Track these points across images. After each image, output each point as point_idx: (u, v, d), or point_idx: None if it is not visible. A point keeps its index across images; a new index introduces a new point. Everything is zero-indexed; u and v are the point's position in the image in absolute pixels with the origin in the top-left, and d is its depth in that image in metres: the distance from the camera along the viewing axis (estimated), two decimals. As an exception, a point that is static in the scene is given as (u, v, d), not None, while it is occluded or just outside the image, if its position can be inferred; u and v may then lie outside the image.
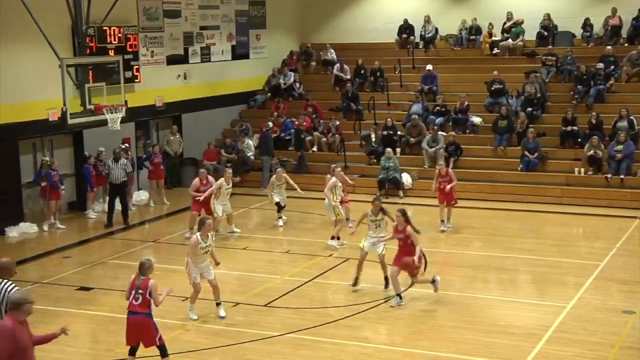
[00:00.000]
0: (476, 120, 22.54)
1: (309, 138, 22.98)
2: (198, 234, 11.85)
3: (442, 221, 17.07)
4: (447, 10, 26.56)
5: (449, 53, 25.96)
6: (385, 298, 12.88)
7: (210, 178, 16.80)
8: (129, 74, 19.83)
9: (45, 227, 17.98)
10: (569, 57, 23.34)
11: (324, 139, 23.04)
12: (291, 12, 27.73)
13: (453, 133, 21.92)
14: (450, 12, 26.49)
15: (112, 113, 15.89)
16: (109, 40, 19.83)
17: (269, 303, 12.76)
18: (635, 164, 19.82)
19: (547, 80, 23.31)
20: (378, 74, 24.85)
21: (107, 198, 18.71)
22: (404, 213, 12.62)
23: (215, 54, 24.14)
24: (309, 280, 13.89)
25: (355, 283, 13.28)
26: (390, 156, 20.87)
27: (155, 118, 22.42)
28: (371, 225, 13.33)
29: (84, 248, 16.86)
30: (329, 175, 16.66)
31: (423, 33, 26.09)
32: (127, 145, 19.89)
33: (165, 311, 12.40)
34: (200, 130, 23.20)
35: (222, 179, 16.83)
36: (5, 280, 8.63)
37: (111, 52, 19.58)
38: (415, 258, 12.25)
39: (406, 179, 20.91)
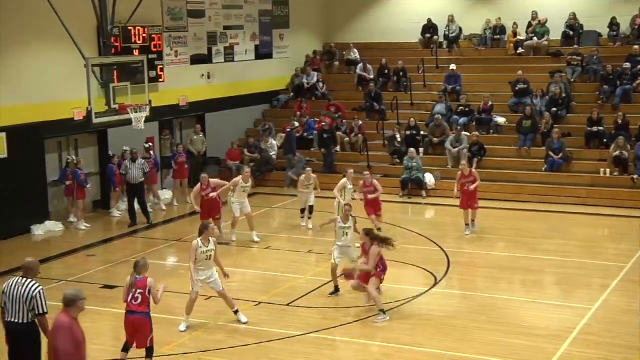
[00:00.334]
0: (500, 120, 22.40)
1: (326, 136, 22.78)
2: (199, 238, 11.49)
3: (467, 225, 16.74)
4: (471, 10, 26.42)
5: (473, 53, 25.83)
6: (406, 299, 12.83)
7: (213, 181, 16.55)
8: (153, 74, 19.95)
9: (73, 219, 18.24)
10: (594, 57, 23.12)
11: (347, 139, 23.01)
12: (315, 12, 27.75)
13: (477, 133, 21.81)
14: (474, 11, 26.35)
15: (136, 112, 15.98)
16: (133, 40, 19.97)
17: (291, 302, 12.78)
18: (662, 165, 19.60)
19: (572, 80, 23.11)
20: (401, 73, 24.79)
21: (127, 199, 18.79)
22: (367, 233, 12.12)
23: (239, 54, 24.21)
24: (331, 280, 13.85)
25: (335, 291, 13.02)
26: (413, 156, 20.81)
27: (178, 118, 22.53)
28: (339, 233, 12.90)
29: (108, 247, 17.00)
30: (344, 179, 16.68)
31: (447, 33, 25.98)
32: (150, 144, 20.01)
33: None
34: (223, 129, 23.27)
35: (240, 176, 16.80)
36: (30, 280, 8.72)
37: (136, 52, 19.71)
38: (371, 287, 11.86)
39: (429, 179, 20.83)
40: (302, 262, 15.16)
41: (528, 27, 24.96)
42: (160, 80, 20.93)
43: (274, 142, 23.11)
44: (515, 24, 25.04)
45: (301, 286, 13.62)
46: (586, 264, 14.84)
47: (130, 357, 10.08)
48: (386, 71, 25.21)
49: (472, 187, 16.53)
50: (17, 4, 17.15)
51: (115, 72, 16.18)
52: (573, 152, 20.71)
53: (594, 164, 20.40)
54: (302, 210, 17.79)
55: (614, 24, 24.24)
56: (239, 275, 14.45)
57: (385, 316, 11.86)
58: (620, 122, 20.63)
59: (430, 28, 26.22)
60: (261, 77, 25.21)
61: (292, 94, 25.71)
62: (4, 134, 17.04)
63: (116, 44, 18.68)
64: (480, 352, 10.73)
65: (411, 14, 26.93)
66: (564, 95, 22.11)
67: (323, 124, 22.79)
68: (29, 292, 8.59)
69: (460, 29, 26.07)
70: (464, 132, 21.74)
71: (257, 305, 12.70)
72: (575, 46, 23.98)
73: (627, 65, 22.28)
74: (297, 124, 23.29)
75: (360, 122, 23.18)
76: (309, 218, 17.60)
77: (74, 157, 18.78)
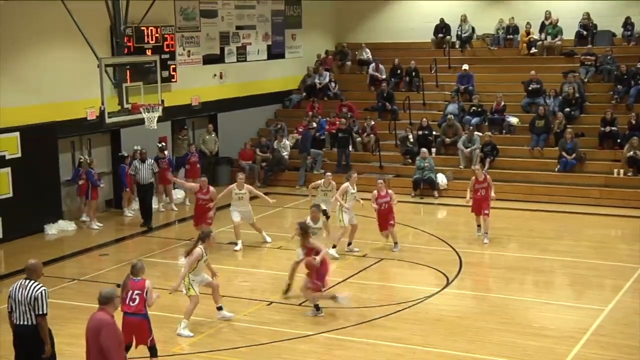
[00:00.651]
0: (513, 120, 22.33)
1: (342, 135, 22.74)
2: (201, 246, 11.44)
3: (479, 226, 16.37)
4: (483, 10, 26.34)
5: (486, 53, 25.75)
6: (418, 299, 12.81)
7: (211, 189, 16.01)
8: (165, 74, 20.01)
9: (85, 218, 18.36)
10: (608, 57, 23.01)
11: (359, 139, 23.00)
12: (327, 12, 27.74)
13: (489, 133, 21.74)
14: (487, 11, 26.27)
15: (148, 112, 16.04)
16: (146, 40, 20.04)
17: (303, 302, 12.77)
18: (676, 165, 19.47)
19: (585, 80, 23.00)
20: (413, 73, 24.75)
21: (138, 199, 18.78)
22: (301, 227, 12.30)
23: (251, 54, 24.25)
24: (343, 280, 13.87)
25: (287, 290, 12.98)
26: (425, 156, 20.77)
27: (191, 117, 22.59)
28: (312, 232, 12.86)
29: (120, 246, 17.07)
30: (346, 183, 15.76)
31: (459, 33, 25.92)
32: (163, 144, 20.07)
33: (202, 309, 12.51)
34: (235, 129, 23.31)
35: (235, 184, 16.18)
36: (33, 281, 8.74)
37: (148, 52, 19.77)
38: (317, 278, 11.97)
39: (441, 179, 20.79)
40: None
41: (541, 26, 24.86)
42: (173, 80, 21.00)
43: (287, 143, 23.14)
44: (528, 23, 24.95)
45: (313, 286, 13.60)
46: (599, 264, 14.77)
47: (135, 357, 10.09)
48: (398, 71, 25.18)
49: (493, 193, 16.15)
50: (30, 5, 17.24)
51: (127, 72, 16.24)
52: (586, 153, 20.61)
53: (608, 165, 20.29)
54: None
55: (628, 24, 24.10)
56: (251, 275, 14.49)
57: (318, 312, 12.02)
58: (634, 122, 20.51)
59: (442, 28, 26.16)
60: (273, 77, 25.24)
61: (304, 94, 25.72)
62: (17, 134, 17.16)
63: (129, 44, 18.75)
64: (491, 353, 10.70)
65: (423, 13, 26.88)
66: (577, 95, 22.01)
67: (338, 122, 22.79)
68: (32, 293, 8.61)
69: (473, 29, 26.00)
70: (476, 132, 21.68)
71: (268, 305, 12.71)
72: (589, 46, 23.86)
73: (641, 65, 22.17)
74: (315, 124, 23.34)
75: (372, 122, 23.16)
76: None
77: (86, 157, 18.87)
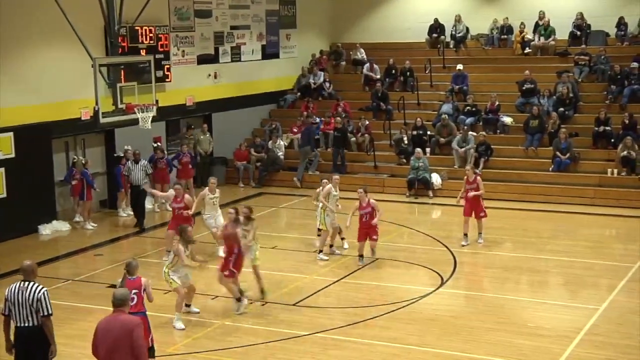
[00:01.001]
0: (507, 120, 22.36)
1: (337, 134, 22.73)
2: (180, 242, 11.50)
3: (465, 235, 15.83)
4: (478, 10, 26.39)
5: (480, 52, 25.79)
6: (413, 299, 12.83)
7: (187, 196, 15.10)
8: (160, 74, 19.97)
9: (78, 219, 18.28)
10: (602, 57, 23.07)
11: (354, 139, 23.01)
12: (321, 12, 27.74)
13: (483, 133, 21.77)
14: (481, 11, 26.32)
15: (143, 112, 16.01)
16: (140, 40, 20.00)
17: (297, 302, 12.78)
18: (670, 165, 19.53)
19: (579, 80, 23.06)
20: (408, 73, 24.77)
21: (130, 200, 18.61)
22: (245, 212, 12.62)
23: (246, 54, 24.23)
24: (338, 280, 13.88)
25: (262, 293, 12.90)
26: (419, 156, 20.79)
27: (185, 117, 22.56)
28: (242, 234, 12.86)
29: (115, 246, 17.03)
30: (329, 185, 15.27)
31: (454, 32, 25.95)
32: (159, 144, 20.04)
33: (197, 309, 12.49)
34: (230, 129, 23.30)
35: (206, 188, 15.35)
36: (32, 282, 8.70)
37: (143, 52, 19.74)
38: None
39: (436, 179, 20.81)
40: (309, 262, 15.14)
41: (535, 27, 24.91)
42: (167, 80, 20.96)
43: (282, 143, 23.14)
44: (522, 23, 24.99)
45: (307, 286, 13.62)
46: (593, 264, 14.80)
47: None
48: (393, 71, 25.20)
49: (471, 194, 15.67)
50: (23, 5, 17.20)
51: (122, 72, 16.21)
52: (580, 152, 20.66)
53: (602, 164, 20.34)
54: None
55: (621, 24, 24.17)
56: (245, 275, 14.44)
57: (241, 304, 12.12)
58: (627, 122, 20.57)
59: (437, 28, 26.19)
60: (268, 77, 25.23)
61: (298, 94, 25.72)
62: (11, 134, 17.12)
63: (123, 44, 18.71)
64: (486, 353, 10.71)
65: (418, 13, 26.90)
66: (571, 95, 22.06)
67: (334, 121, 22.80)
68: (34, 295, 8.57)
69: (467, 29, 26.04)
70: (470, 132, 21.71)
71: (263, 305, 12.70)
72: (583, 46, 23.92)
73: (635, 64, 22.21)
74: (318, 118, 23.33)
75: (367, 122, 23.16)
76: (343, 238, 15.68)
77: (81, 157, 18.82)
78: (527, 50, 24.75)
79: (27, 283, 8.67)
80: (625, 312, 12.17)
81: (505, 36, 25.50)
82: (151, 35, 20.33)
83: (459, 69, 24.12)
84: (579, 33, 24.39)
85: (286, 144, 23.41)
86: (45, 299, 8.61)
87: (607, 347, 10.82)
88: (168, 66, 21.01)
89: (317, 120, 23.42)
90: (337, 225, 15.37)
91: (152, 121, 16.41)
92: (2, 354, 9.18)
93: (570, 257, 15.28)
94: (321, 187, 15.44)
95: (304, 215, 18.21)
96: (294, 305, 12.69)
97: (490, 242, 16.23)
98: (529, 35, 24.92)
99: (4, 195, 17.06)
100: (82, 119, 18.03)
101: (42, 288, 8.67)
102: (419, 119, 22.33)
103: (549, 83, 22.76)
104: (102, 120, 15.55)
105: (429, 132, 22.31)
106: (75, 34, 15.81)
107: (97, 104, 15.31)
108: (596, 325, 11.64)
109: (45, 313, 8.63)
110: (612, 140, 20.59)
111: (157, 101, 16.64)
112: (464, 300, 13.26)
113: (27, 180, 17.35)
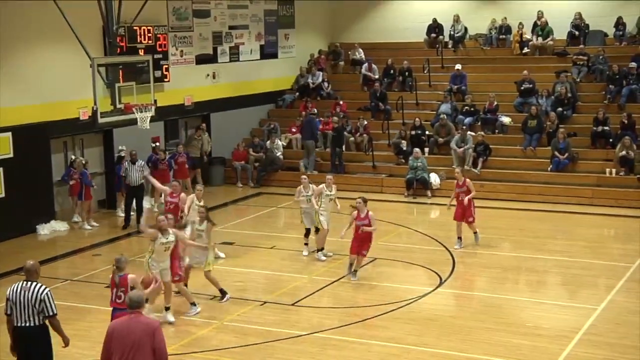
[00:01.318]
0: (505, 120, 22.37)
1: (334, 134, 22.74)
2: (155, 229, 11.50)
3: (459, 238, 15.67)
4: (476, 10, 26.39)
5: (479, 52, 25.80)
6: (411, 299, 12.82)
7: (182, 195, 14.67)
8: (158, 74, 19.96)
9: (77, 219, 18.23)
10: (600, 57, 23.08)
11: (352, 139, 23.01)
12: (320, 12, 27.75)
13: (482, 133, 21.77)
14: (479, 11, 26.32)
15: (141, 112, 16.00)
16: (139, 40, 19.99)
17: (296, 302, 12.78)
18: (668, 164, 19.55)
19: (578, 80, 23.07)
20: (406, 73, 24.77)
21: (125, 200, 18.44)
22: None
23: (244, 54, 24.23)
24: (336, 280, 13.89)
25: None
26: (418, 156, 20.79)
27: (184, 117, 22.56)
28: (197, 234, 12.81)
29: (113, 246, 17.01)
30: (322, 185, 15.20)
31: (452, 32, 25.96)
32: (157, 144, 20.03)
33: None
34: (228, 129, 23.29)
35: (193, 195, 14.94)
36: (35, 283, 8.70)
37: (141, 52, 19.72)
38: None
39: (434, 179, 20.81)
40: (307, 262, 15.14)
41: (534, 27, 24.92)
42: (166, 80, 20.96)
43: (280, 143, 23.13)
44: (520, 23, 25.00)
45: (306, 286, 13.62)
46: (592, 264, 14.81)
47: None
48: (391, 71, 25.20)
49: (467, 198, 15.36)
50: (22, 5, 17.18)
51: (120, 72, 16.18)
52: (579, 152, 20.67)
53: (600, 164, 20.35)
54: (307, 233, 15.40)
55: (620, 24, 24.18)
56: (244, 274, 14.47)
57: (196, 308, 12.00)
58: (626, 122, 20.58)
59: (435, 28, 26.20)
60: (266, 77, 25.23)
61: (297, 93, 25.72)
62: (9, 134, 17.11)
63: (121, 44, 18.67)
64: (485, 352, 10.71)
65: (416, 13, 26.91)
66: (569, 95, 22.07)
67: (331, 121, 22.81)
68: (37, 295, 8.58)
69: (466, 29, 26.05)
70: (469, 132, 21.72)
71: (261, 304, 12.70)
72: (581, 46, 23.92)
73: (633, 64, 22.23)
74: (316, 110, 23.33)
75: (365, 122, 23.17)
76: (305, 244, 15.40)
77: (80, 158, 18.81)
78: (526, 50, 24.76)
79: (29, 283, 8.67)
80: (623, 312, 12.18)
81: (504, 36, 25.51)
82: (149, 35, 20.31)
83: (458, 69, 24.13)
84: (577, 33, 24.41)
85: (285, 144, 23.41)
86: (49, 299, 8.62)
87: (606, 346, 10.83)
88: (166, 66, 21.01)
89: (315, 110, 23.43)
90: (329, 227, 15.07)
91: (150, 121, 16.40)
92: (4, 353, 9.16)
93: (569, 257, 15.29)
94: (301, 185, 15.24)
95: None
96: (292, 305, 12.70)
97: (488, 242, 16.24)
98: (528, 35, 24.94)
99: (2, 195, 17.05)
100: (81, 119, 17.99)
101: (46, 288, 8.68)
102: (417, 119, 22.34)
103: (548, 83, 22.77)
104: (101, 120, 15.53)
105: (427, 132, 22.32)
106: (74, 34, 15.79)
107: (95, 103, 15.30)
108: (594, 325, 11.65)
109: (50, 313, 8.65)
110: (611, 140, 20.61)
111: (155, 101, 16.62)
112: (463, 300, 13.27)
113: (26, 180, 17.34)
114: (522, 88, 22.75)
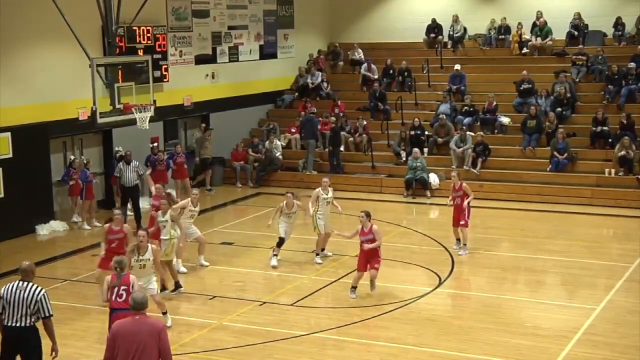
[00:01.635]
0: (505, 120, 22.38)
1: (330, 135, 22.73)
2: (131, 248, 11.17)
3: (458, 239, 15.48)
4: (475, 10, 26.40)
5: (478, 53, 25.81)
6: (410, 299, 12.82)
7: (126, 226, 12.88)
8: (157, 74, 19.94)
9: (76, 219, 18.20)
10: (599, 57, 23.10)
11: (351, 139, 23.01)
12: (319, 12, 27.75)
13: (481, 133, 21.78)
14: (479, 11, 26.33)
15: (140, 112, 15.98)
16: (138, 40, 19.99)
17: (295, 302, 12.77)
18: (668, 165, 19.56)
19: (577, 80, 23.08)
20: (406, 73, 24.77)
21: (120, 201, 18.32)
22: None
23: (243, 54, 24.22)
24: (336, 280, 13.88)
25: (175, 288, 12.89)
26: (417, 156, 20.79)
27: (183, 117, 22.55)
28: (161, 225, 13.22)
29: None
30: (318, 188, 15.05)
31: (451, 33, 25.97)
32: (156, 144, 20.03)
33: (194, 309, 12.50)
34: (227, 129, 23.28)
35: (188, 199, 14.69)
36: (31, 283, 8.69)
37: (140, 52, 19.71)
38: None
39: (433, 179, 20.81)
40: (306, 262, 15.14)
41: (533, 27, 24.93)
42: (165, 80, 20.95)
43: (279, 143, 23.13)
44: (519, 24, 25.02)
45: (305, 286, 13.62)
46: (591, 264, 14.81)
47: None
48: (390, 71, 25.20)
49: (466, 202, 15.08)
50: (21, 4, 17.18)
51: (119, 72, 16.16)
52: (578, 152, 20.68)
53: (599, 164, 20.36)
54: (280, 243, 14.79)
55: (619, 24, 24.20)
56: (243, 274, 14.47)
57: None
58: (625, 122, 20.59)
59: (434, 28, 26.20)
60: (265, 77, 25.22)
61: (296, 94, 25.71)
62: (8, 134, 17.10)
63: (121, 44, 18.65)
64: (484, 353, 10.71)
65: (415, 13, 26.92)
66: (568, 95, 22.08)
67: (329, 121, 22.82)
68: (33, 296, 8.55)
69: (465, 29, 26.06)
70: (468, 132, 21.72)
71: (261, 305, 12.70)
72: (580, 46, 23.93)
73: (632, 65, 22.25)
74: (315, 110, 23.32)
75: (365, 122, 23.17)
76: (275, 255, 14.80)
77: (82, 157, 18.79)
78: (525, 50, 24.77)
79: (25, 283, 8.65)
80: (622, 312, 12.18)
81: (503, 36, 25.52)
82: (149, 35, 20.31)
83: (457, 69, 24.13)
84: (576, 33, 24.42)
85: (284, 144, 23.41)
86: (45, 300, 8.61)
87: (605, 346, 10.83)
88: (166, 66, 21.00)
89: (314, 109, 23.45)
90: (329, 231, 14.96)
91: (149, 121, 16.39)
92: None
93: (568, 257, 15.29)
94: (284, 202, 14.66)
95: (302, 215, 18.18)
96: (291, 305, 12.69)
97: (487, 242, 16.25)
98: (527, 36, 24.95)
99: (2, 195, 17.04)
100: (80, 119, 18.01)
101: (42, 289, 8.65)
102: (416, 119, 22.34)
103: (547, 83, 22.77)
104: (100, 120, 15.52)
105: (426, 132, 22.33)
106: (73, 34, 15.78)
107: (94, 104, 15.28)
108: (594, 325, 11.65)
109: (47, 314, 8.62)
110: (610, 140, 20.62)
111: (154, 101, 16.61)
112: (462, 300, 13.27)
113: (25, 180, 17.33)
114: (521, 88, 22.76)
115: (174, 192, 15.51)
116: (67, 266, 15.43)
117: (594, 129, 20.86)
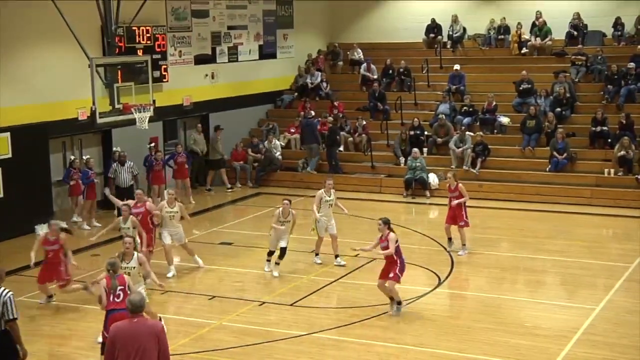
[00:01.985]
0: (504, 120, 22.38)
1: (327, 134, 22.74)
2: (117, 254, 10.90)
3: (450, 239, 15.47)
4: (475, 10, 26.40)
5: (477, 53, 25.82)
6: (410, 299, 12.82)
7: (148, 204, 13.62)
8: (157, 74, 19.95)
9: (76, 219, 18.16)
10: (599, 57, 23.11)
11: (351, 139, 23.01)
12: (319, 12, 27.74)
13: (481, 133, 21.78)
14: (478, 11, 26.33)
15: (140, 112, 16.01)
16: (137, 40, 19.99)
17: (295, 302, 12.77)
18: (667, 165, 19.57)
19: (576, 80, 23.09)
20: (405, 73, 24.78)
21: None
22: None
23: (243, 54, 24.22)
24: (335, 280, 13.89)
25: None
26: (417, 156, 20.80)
27: (182, 117, 22.55)
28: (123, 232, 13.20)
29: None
30: (321, 190, 14.89)
31: (451, 33, 25.97)
32: (154, 144, 20.02)
33: (194, 309, 12.50)
34: (227, 129, 23.25)
35: (164, 202, 14.56)
36: (1, 288, 8.65)
37: (140, 52, 19.71)
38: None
39: (433, 179, 20.82)
40: (306, 262, 15.15)
41: (532, 27, 24.94)
42: (164, 80, 20.95)
43: (278, 143, 23.13)
44: (519, 24, 25.02)
45: (305, 286, 13.62)
46: (590, 264, 14.82)
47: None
48: (390, 71, 25.21)
49: (455, 202, 15.10)
50: (21, 4, 17.17)
51: (119, 72, 16.20)
52: (577, 152, 20.68)
53: (599, 164, 20.37)
54: (270, 253, 14.49)
55: (618, 24, 24.21)
56: (243, 274, 14.47)
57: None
58: (624, 122, 20.59)
59: (434, 28, 26.20)
60: (265, 77, 25.22)
61: (296, 94, 25.72)
62: (7, 134, 17.10)
63: (120, 44, 18.70)
64: (484, 352, 10.72)
65: (415, 13, 26.92)
66: (568, 95, 22.09)
67: (327, 121, 22.83)
68: (0, 298, 8.47)
69: (464, 29, 26.06)
70: (467, 132, 21.73)
71: (260, 305, 12.70)
72: (580, 46, 23.94)
73: (632, 65, 22.26)
74: (313, 112, 23.41)
75: (364, 122, 23.17)
76: (277, 264, 14.36)
77: (84, 157, 18.79)
78: (524, 50, 24.78)
79: None
80: (622, 312, 12.19)
81: (503, 36, 25.53)
82: (148, 35, 20.31)
83: (456, 69, 24.13)
84: (575, 33, 24.43)
85: (283, 144, 23.41)
86: (11, 302, 8.52)
87: (604, 346, 10.84)
88: (165, 66, 21.01)
89: (312, 113, 23.45)
90: (335, 232, 14.81)
91: (149, 121, 16.40)
92: None
93: (568, 257, 15.30)
94: (280, 209, 14.28)
95: (302, 215, 18.18)
96: (291, 305, 12.69)
97: (487, 242, 16.26)
98: (526, 36, 24.96)
99: (1, 195, 17.04)
100: (79, 119, 18.01)
101: (9, 292, 8.58)
102: (416, 119, 22.35)
103: (546, 83, 22.78)
104: (99, 120, 15.54)
105: (426, 132, 22.33)
106: (73, 34, 15.80)
107: (94, 104, 15.30)
108: (593, 325, 11.65)
109: (11, 317, 8.54)
110: (609, 140, 20.62)
111: (154, 101, 16.64)
112: (461, 300, 13.27)
113: (24, 180, 17.32)
114: (521, 88, 22.77)
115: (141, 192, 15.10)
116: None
117: (594, 129, 20.87)
